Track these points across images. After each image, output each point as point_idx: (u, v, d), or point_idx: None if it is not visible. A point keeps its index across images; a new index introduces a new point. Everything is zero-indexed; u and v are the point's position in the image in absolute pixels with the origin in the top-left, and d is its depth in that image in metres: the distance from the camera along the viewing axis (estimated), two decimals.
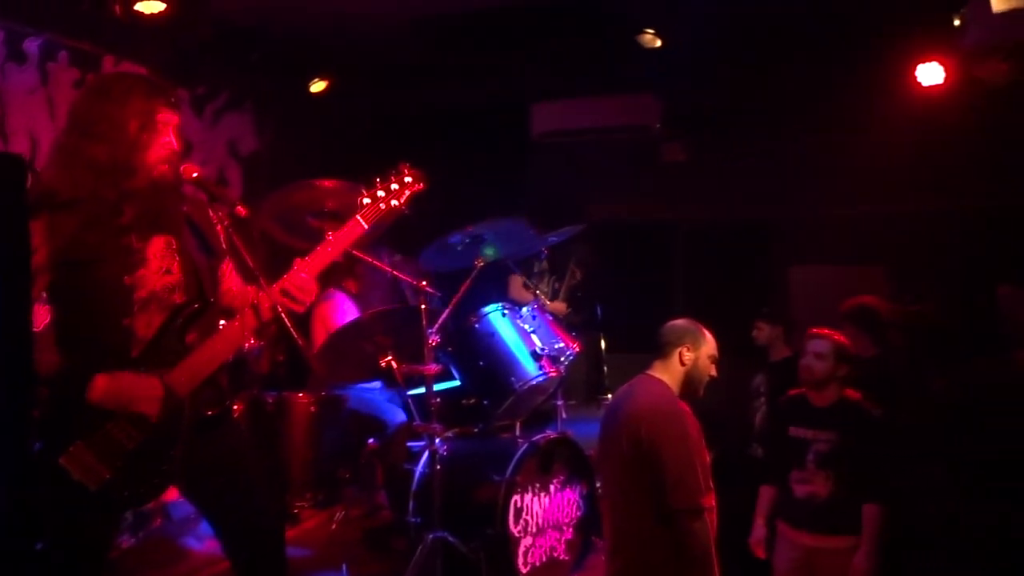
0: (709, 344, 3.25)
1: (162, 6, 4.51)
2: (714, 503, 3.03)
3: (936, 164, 6.26)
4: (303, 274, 2.46)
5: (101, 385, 2.27)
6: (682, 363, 3.18)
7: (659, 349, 3.23)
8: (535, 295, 4.58)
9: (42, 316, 2.50)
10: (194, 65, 5.40)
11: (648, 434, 2.98)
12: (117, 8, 4.45)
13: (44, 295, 2.37)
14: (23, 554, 1.44)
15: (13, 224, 1.30)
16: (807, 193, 6.67)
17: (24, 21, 4.55)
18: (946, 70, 5.53)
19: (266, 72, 5.80)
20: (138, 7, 4.44)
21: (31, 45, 4.62)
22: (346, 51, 5.76)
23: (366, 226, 2.58)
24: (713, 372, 3.23)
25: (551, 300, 5.66)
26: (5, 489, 1.32)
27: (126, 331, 2.36)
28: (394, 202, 2.65)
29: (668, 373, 3.20)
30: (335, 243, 2.54)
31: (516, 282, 5.35)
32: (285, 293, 2.43)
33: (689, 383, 3.21)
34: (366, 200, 2.62)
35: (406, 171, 2.70)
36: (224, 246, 2.53)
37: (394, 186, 2.66)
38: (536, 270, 5.88)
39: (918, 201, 6.53)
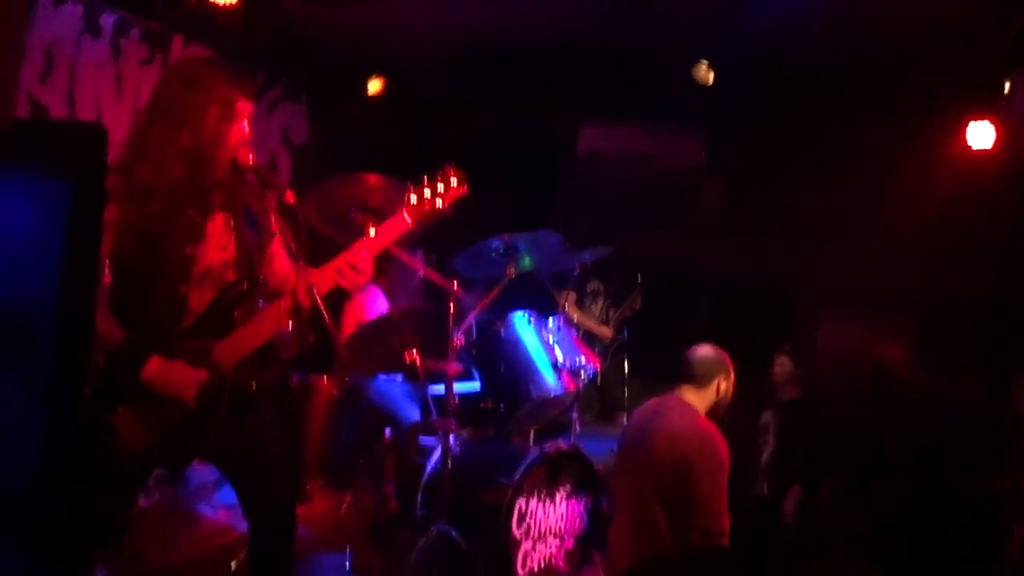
0: (733, 372, 3.50)
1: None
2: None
3: (975, 234, 6.07)
4: (363, 252, 2.58)
5: (154, 368, 2.40)
6: (718, 393, 3.47)
7: (694, 378, 3.47)
8: (563, 308, 4.67)
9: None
10: (257, 54, 5.59)
11: (688, 458, 3.23)
12: None
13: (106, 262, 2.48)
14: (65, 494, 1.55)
15: (91, 193, 1.38)
16: (837, 250, 6.59)
17: None
18: (997, 133, 5.39)
19: (324, 70, 5.99)
20: None
21: (106, 20, 4.81)
22: (399, 65, 5.94)
23: (411, 222, 2.67)
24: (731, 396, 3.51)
25: (600, 324, 5.76)
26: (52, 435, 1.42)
27: (181, 300, 2.49)
28: (439, 203, 2.70)
29: (700, 399, 3.46)
30: (381, 235, 2.65)
31: (569, 298, 5.45)
32: (339, 271, 2.56)
33: (715, 409, 3.50)
34: (413, 197, 2.69)
35: (451, 172, 2.76)
36: (274, 229, 2.66)
37: (440, 187, 2.72)
38: (589, 290, 5.96)
39: (948, 276, 6.32)
